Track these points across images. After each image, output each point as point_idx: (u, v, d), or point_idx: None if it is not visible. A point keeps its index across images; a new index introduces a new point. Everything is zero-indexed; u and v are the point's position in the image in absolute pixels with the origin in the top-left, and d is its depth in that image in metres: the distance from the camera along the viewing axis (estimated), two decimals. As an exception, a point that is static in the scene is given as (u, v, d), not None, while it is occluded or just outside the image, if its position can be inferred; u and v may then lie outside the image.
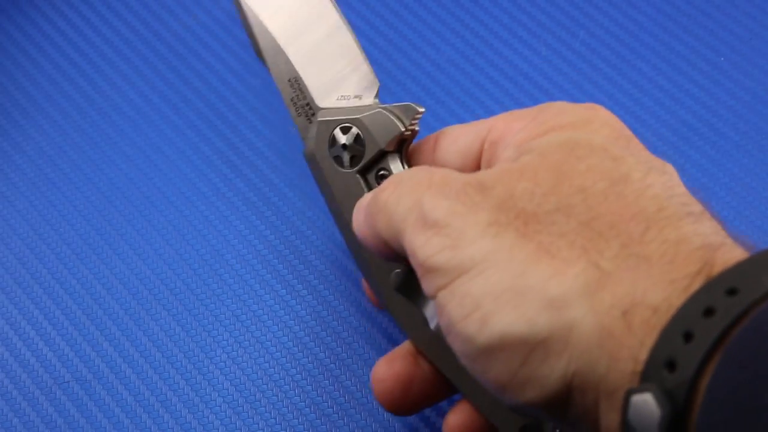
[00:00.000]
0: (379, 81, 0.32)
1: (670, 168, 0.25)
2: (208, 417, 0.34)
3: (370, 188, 0.31)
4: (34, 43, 0.43)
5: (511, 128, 0.27)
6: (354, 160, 0.31)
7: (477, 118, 0.41)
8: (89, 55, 0.43)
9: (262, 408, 0.34)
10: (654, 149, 0.39)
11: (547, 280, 0.22)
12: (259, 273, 0.37)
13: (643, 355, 0.20)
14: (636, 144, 0.25)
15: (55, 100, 0.42)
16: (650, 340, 0.20)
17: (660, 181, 0.23)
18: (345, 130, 0.31)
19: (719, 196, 0.38)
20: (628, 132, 0.26)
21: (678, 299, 0.20)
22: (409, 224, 0.25)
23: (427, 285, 0.24)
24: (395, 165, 0.31)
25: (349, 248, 0.31)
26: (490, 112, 0.40)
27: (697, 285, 0.21)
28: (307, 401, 0.34)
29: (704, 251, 0.21)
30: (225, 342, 0.36)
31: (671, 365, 0.20)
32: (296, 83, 0.33)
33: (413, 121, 0.30)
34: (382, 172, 0.31)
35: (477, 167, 0.29)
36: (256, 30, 0.34)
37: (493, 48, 0.42)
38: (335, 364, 0.35)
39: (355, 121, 0.31)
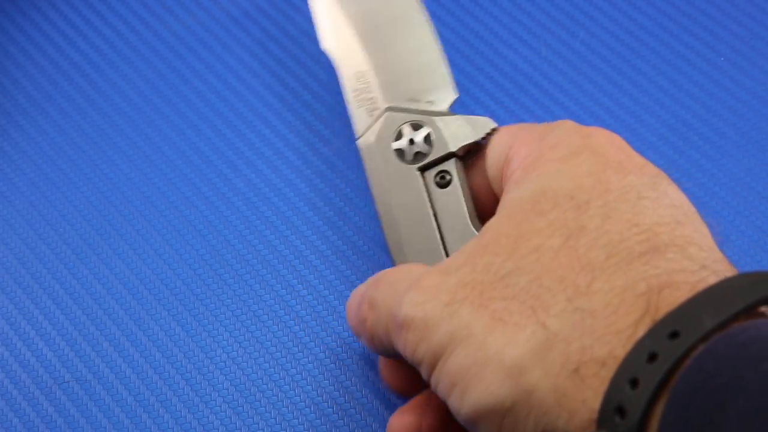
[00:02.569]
0: (458, 93, 0.33)
1: (649, 192, 0.25)
2: (208, 417, 0.34)
3: (426, 186, 0.31)
4: (34, 43, 0.43)
5: (518, 154, 0.29)
6: (417, 157, 0.32)
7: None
8: (89, 55, 0.43)
9: (262, 408, 0.34)
10: (654, 149, 0.39)
11: (502, 349, 0.23)
12: (259, 273, 0.37)
13: (596, 404, 0.21)
14: (621, 171, 0.26)
15: (55, 100, 0.42)
16: (601, 390, 0.21)
17: (622, 220, 0.24)
18: (415, 127, 0.32)
19: (719, 196, 0.38)
20: (618, 155, 0.26)
21: (623, 350, 0.22)
22: (391, 329, 0.27)
23: (422, 374, 0.26)
24: (457, 170, 0.31)
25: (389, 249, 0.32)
26: (490, 113, 0.40)
27: (641, 332, 0.22)
28: (306, 401, 0.34)
29: (649, 295, 0.22)
30: (225, 342, 0.36)
31: (621, 411, 0.21)
32: (363, 76, 0.34)
33: (487, 134, 0.31)
34: (442, 173, 0.31)
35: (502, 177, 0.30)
36: (328, 15, 0.34)
37: (493, 48, 0.42)
38: (335, 364, 0.35)
39: (429, 121, 0.32)
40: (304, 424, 0.34)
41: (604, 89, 0.41)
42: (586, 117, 0.40)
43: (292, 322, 0.36)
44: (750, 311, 0.21)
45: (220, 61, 0.42)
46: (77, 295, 0.37)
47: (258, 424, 0.34)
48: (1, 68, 0.43)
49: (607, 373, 0.21)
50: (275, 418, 0.34)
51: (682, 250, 0.23)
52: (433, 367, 0.25)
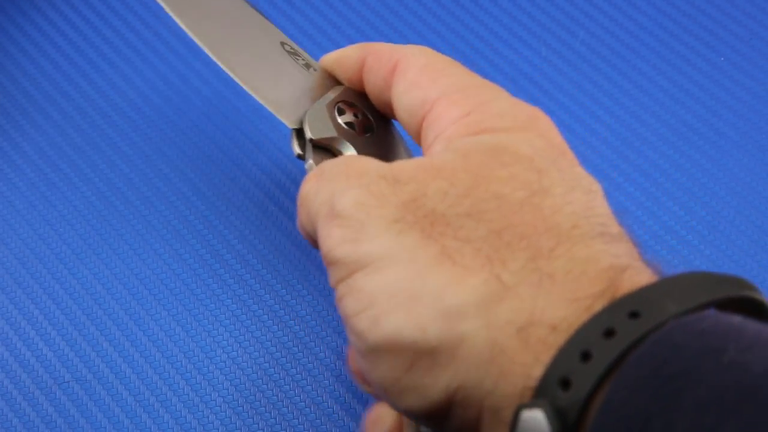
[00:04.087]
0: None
1: (596, 186, 0.24)
2: (208, 417, 0.34)
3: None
4: (34, 43, 0.43)
5: (449, 114, 0.26)
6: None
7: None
8: (89, 55, 0.43)
9: (262, 408, 0.34)
10: (654, 149, 0.39)
11: (444, 288, 0.21)
12: (259, 273, 0.37)
13: (537, 372, 0.20)
14: (568, 160, 0.25)
15: (55, 100, 0.42)
16: (546, 357, 0.20)
17: (582, 200, 0.23)
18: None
19: (719, 196, 0.38)
20: (563, 146, 0.25)
21: (578, 319, 0.20)
22: (321, 216, 0.25)
23: (329, 276, 0.24)
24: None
25: None
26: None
27: (599, 306, 0.20)
28: (307, 401, 0.34)
29: (612, 272, 0.21)
30: (225, 342, 0.36)
31: (565, 383, 0.19)
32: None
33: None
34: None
35: (418, 130, 0.28)
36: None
37: (493, 48, 0.42)
38: (336, 363, 0.35)
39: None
40: (304, 424, 0.34)
41: (604, 89, 0.41)
42: (586, 117, 0.40)
43: (292, 322, 0.36)
44: (710, 307, 0.20)
45: (220, 61, 0.42)
46: (77, 295, 0.37)
47: (258, 424, 0.34)
48: (1, 68, 0.43)
49: (555, 340, 0.20)
50: (275, 418, 0.34)
51: (632, 246, 0.23)
52: (348, 274, 0.23)
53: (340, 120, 0.30)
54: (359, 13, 0.44)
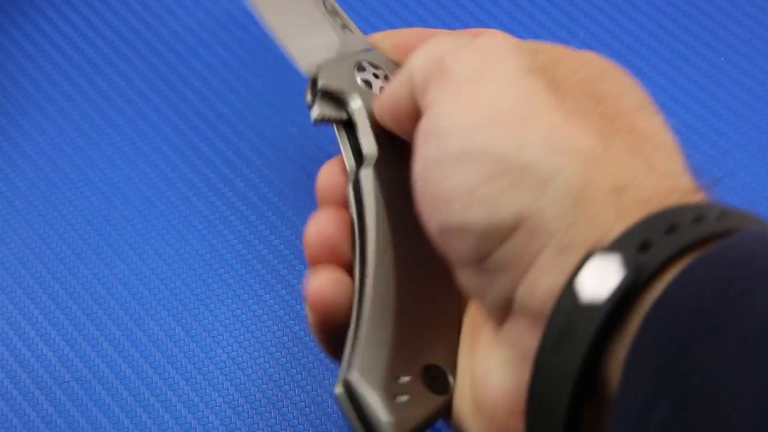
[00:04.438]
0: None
1: None
2: (208, 417, 0.34)
3: None
4: (34, 43, 0.43)
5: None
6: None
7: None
8: (89, 55, 0.43)
9: (262, 408, 0.34)
10: (654, 149, 0.39)
11: (555, 126, 0.21)
12: (259, 273, 0.37)
13: (618, 228, 0.19)
14: None
15: (55, 100, 0.42)
16: (631, 219, 0.20)
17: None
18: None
19: (720, 195, 0.38)
20: None
21: (669, 201, 0.20)
22: (449, 44, 0.24)
23: (433, 90, 0.23)
24: None
25: None
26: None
27: (692, 200, 0.21)
28: (307, 401, 0.34)
29: (697, 186, 0.22)
30: (225, 342, 0.36)
31: (645, 246, 0.19)
32: None
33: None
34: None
35: None
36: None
37: (493, 48, 0.42)
38: (336, 363, 0.35)
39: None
40: (304, 424, 0.34)
41: (604, 89, 0.41)
42: (586, 117, 0.40)
43: (292, 322, 0.36)
44: None
45: (220, 61, 0.42)
46: (77, 295, 0.37)
47: (258, 424, 0.34)
48: (1, 68, 0.43)
49: (645, 209, 0.20)
50: (275, 418, 0.34)
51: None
52: (459, 83, 0.23)
53: (357, 76, 0.30)
54: (359, 13, 0.44)
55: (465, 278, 0.23)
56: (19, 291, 0.37)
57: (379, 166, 0.27)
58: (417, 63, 0.25)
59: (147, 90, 0.42)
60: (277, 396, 0.35)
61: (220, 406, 0.34)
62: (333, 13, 0.33)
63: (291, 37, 0.32)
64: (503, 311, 0.22)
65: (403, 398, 0.24)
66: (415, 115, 0.25)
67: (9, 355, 0.35)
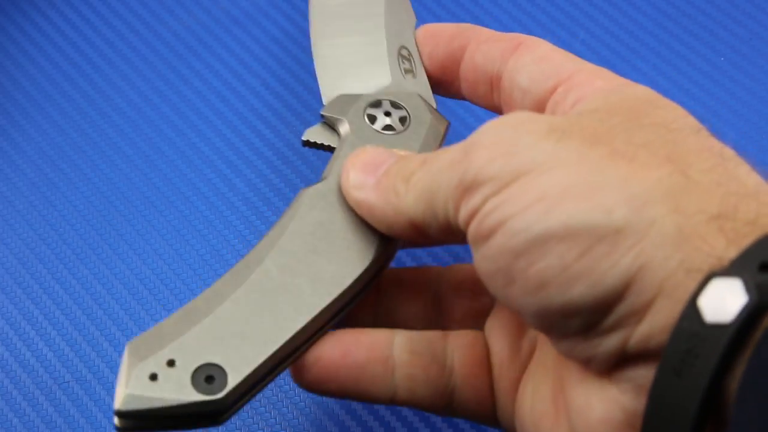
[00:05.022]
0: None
1: None
2: (208, 417, 0.34)
3: None
4: (34, 43, 0.43)
5: (592, 83, 0.25)
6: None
7: (478, 118, 0.41)
8: (89, 55, 0.43)
9: (262, 408, 0.34)
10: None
11: (626, 178, 0.20)
12: (259, 273, 0.37)
13: (731, 254, 0.19)
14: None
15: (55, 100, 0.42)
16: (742, 242, 0.19)
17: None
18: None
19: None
20: None
21: None
22: (449, 167, 0.23)
23: (472, 201, 0.22)
24: None
25: None
26: (490, 113, 0.40)
27: None
28: (307, 401, 0.34)
29: None
30: (225, 342, 0.36)
31: (765, 267, 0.18)
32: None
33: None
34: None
35: (539, 107, 0.27)
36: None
37: (493, 48, 0.42)
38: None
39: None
40: (304, 424, 0.34)
41: (604, 89, 0.41)
42: (586, 117, 0.40)
43: (292, 322, 0.36)
44: None
45: (220, 61, 0.42)
46: (77, 295, 0.37)
47: (258, 424, 0.34)
48: (1, 68, 0.43)
49: (753, 231, 0.19)
50: (275, 418, 0.34)
51: None
52: (502, 187, 0.21)
53: (367, 110, 0.30)
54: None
55: (567, 347, 0.22)
56: (19, 291, 0.37)
57: (328, 190, 0.27)
58: (415, 209, 0.24)
59: (147, 90, 0.42)
60: (278, 396, 0.35)
61: (220, 406, 0.34)
62: (404, 57, 0.32)
63: (333, 66, 0.31)
64: (612, 365, 0.21)
65: (163, 382, 0.24)
66: (416, 233, 0.24)
67: (9, 355, 0.35)
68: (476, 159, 0.22)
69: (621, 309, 0.20)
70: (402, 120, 0.30)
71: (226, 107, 0.41)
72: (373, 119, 0.29)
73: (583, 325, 0.20)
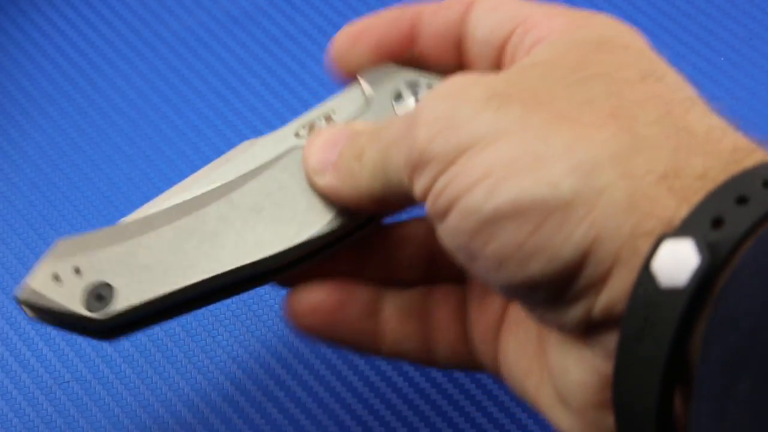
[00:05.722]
0: None
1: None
2: (208, 417, 0.34)
3: None
4: (34, 43, 0.43)
5: (550, 23, 0.24)
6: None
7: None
8: (89, 55, 0.43)
9: (263, 408, 0.34)
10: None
11: (571, 145, 0.19)
12: (259, 273, 0.37)
13: (682, 212, 0.18)
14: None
15: (55, 100, 0.42)
16: (693, 198, 0.18)
17: (697, 96, 0.22)
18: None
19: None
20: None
21: (727, 170, 0.19)
22: (395, 142, 0.22)
23: (423, 180, 0.21)
24: None
25: None
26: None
27: (751, 162, 0.19)
28: (309, 399, 0.34)
29: (745, 141, 0.20)
30: (225, 342, 0.36)
31: (717, 223, 0.18)
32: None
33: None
34: None
35: (499, 54, 0.25)
36: None
37: (493, 48, 0.42)
38: (337, 362, 0.35)
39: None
40: (306, 424, 0.34)
41: (604, 89, 0.41)
42: (586, 117, 0.40)
43: (292, 322, 0.36)
44: None
45: (220, 61, 0.42)
46: (77, 295, 0.37)
47: (258, 424, 0.34)
48: (1, 68, 0.43)
49: (705, 186, 0.18)
50: (276, 418, 0.34)
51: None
52: (447, 165, 0.21)
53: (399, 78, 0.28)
54: (358, 13, 0.44)
55: (537, 316, 0.22)
56: (19, 291, 0.37)
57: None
58: (371, 186, 0.24)
59: (147, 90, 0.42)
60: (278, 396, 0.35)
61: (221, 406, 0.34)
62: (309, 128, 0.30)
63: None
64: (583, 330, 0.21)
65: (60, 287, 0.25)
66: (380, 207, 0.25)
67: (9, 355, 0.35)
68: (418, 137, 0.21)
69: (581, 280, 0.20)
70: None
71: (226, 107, 0.41)
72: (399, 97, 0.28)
73: (548, 296, 0.20)
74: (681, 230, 0.18)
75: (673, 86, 0.21)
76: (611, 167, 0.19)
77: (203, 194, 0.27)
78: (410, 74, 0.28)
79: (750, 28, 0.43)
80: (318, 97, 0.41)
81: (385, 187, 0.24)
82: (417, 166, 0.22)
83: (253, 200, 0.27)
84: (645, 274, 0.18)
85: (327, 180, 0.25)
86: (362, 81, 0.28)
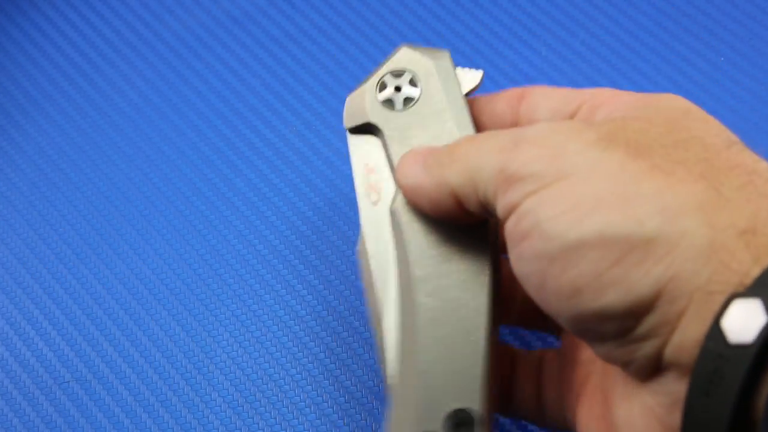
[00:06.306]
0: None
1: None
2: (208, 417, 0.34)
3: None
4: (34, 43, 0.43)
5: (616, 100, 0.26)
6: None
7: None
8: (89, 55, 0.43)
9: (262, 408, 0.34)
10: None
11: (661, 191, 0.21)
12: (259, 273, 0.37)
13: (755, 271, 0.19)
14: None
15: (55, 100, 0.42)
16: (766, 260, 0.19)
17: None
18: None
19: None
20: None
21: None
22: (496, 150, 0.23)
23: (511, 195, 0.23)
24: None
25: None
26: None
27: None
28: (307, 401, 0.34)
29: None
30: (225, 342, 0.36)
31: None
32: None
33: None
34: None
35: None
36: None
37: (493, 48, 0.42)
38: (335, 364, 0.35)
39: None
40: (304, 424, 0.34)
41: (604, 89, 0.41)
42: (586, 117, 0.40)
43: (292, 322, 0.36)
44: None
45: (220, 61, 0.42)
46: (77, 295, 0.37)
47: (258, 424, 0.34)
48: (1, 68, 0.43)
49: None
50: (275, 418, 0.34)
51: None
52: (541, 186, 0.22)
53: (379, 97, 0.29)
54: (359, 13, 0.44)
55: (605, 351, 0.22)
56: (19, 291, 0.37)
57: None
58: (457, 180, 0.24)
59: (147, 90, 0.42)
60: (277, 396, 0.35)
61: (220, 406, 0.34)
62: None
63: None
64: (650, 371, 0.22)
65: None
66: (460, 208, 0.25)
67: (9, 355, 0.36)
68: (523, 152, 0.23)
69: (653, 317, 0.20)
70: (412, 83, 0.29)
71: (227, 107, 0.41)
72: (390, 103, 0.29)
73: (617, 330, 0.21)
74: (751, 290, 0.19)
75: (754, 158, 0.23)
76: (696, 215, 0.20)
77: (398, 295, 0.27)
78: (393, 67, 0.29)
79: (750, 28, 0.43)
80: (318, 97, 0.41)
81: (467, 185, 0.24)
82: (510, 179, 0.23)
83: (429, 258, 0.27)
84: (715, 329, 0.19)
85: (413, 179, 0.26)
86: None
